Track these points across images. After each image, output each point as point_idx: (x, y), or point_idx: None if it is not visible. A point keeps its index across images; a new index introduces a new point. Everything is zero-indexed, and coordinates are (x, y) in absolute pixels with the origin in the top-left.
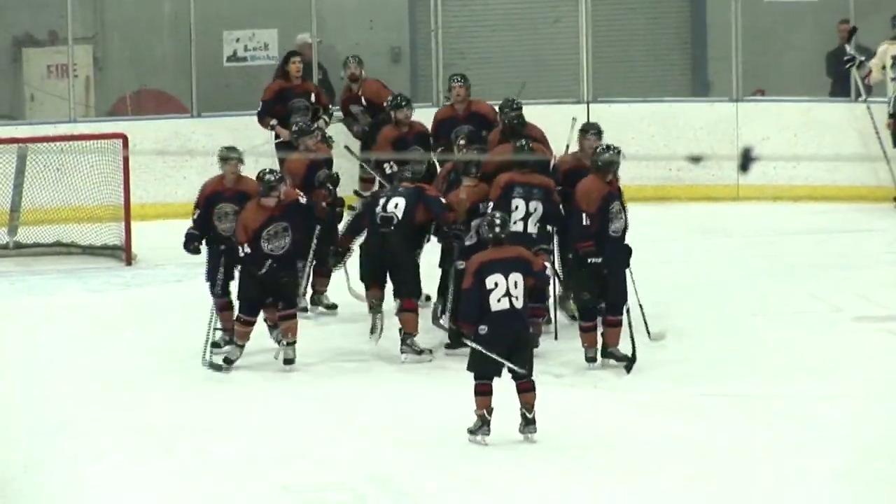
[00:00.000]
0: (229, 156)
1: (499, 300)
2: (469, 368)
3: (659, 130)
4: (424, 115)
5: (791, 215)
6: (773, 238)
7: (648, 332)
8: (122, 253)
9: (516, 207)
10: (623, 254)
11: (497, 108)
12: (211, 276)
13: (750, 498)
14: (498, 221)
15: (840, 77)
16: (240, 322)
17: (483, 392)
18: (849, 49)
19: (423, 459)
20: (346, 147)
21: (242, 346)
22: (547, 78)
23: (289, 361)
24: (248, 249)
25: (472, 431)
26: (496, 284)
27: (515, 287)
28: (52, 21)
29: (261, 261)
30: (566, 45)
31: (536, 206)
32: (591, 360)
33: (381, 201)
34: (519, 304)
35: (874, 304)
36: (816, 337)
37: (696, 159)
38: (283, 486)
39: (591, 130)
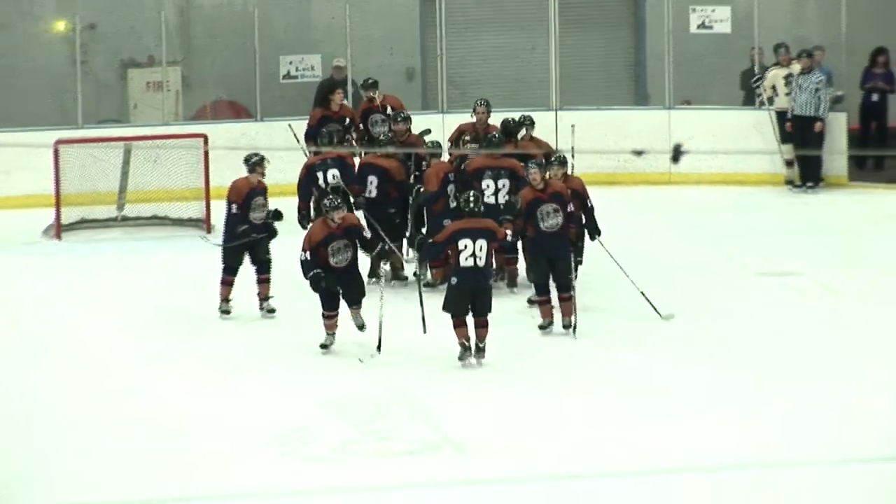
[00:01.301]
0: (262, 161)
1: (466, 259)
2: (444, 309)
3: (610, 131)
4: (430, 120)
5: (711, 196)
6: (697, 213)
7: (659, 313)
8: (204, 224)
9: (487, 186)
10: (562, 244)
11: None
12: (229, 259)
13: (674, 403)
14: (472, 199)
15: (750, 90)
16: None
17: (459, 325)
18: (756, 70)
19: (432, 380)
20: (289, 125)
21: (333, 335)
22: (525, 91)
23: (361, 327)
24: (308, 256)
25: (460, 358)
26: (465, 247)
27: (480, 250)
28: (150, 48)
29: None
30: (540, 67)
31: (504, 183)
32: (543, 328)
33: (320, 174)
34: (481, 262)
35: (774, 263)
36: (731, 288)
37: (638, 153)
38: (324, 401)
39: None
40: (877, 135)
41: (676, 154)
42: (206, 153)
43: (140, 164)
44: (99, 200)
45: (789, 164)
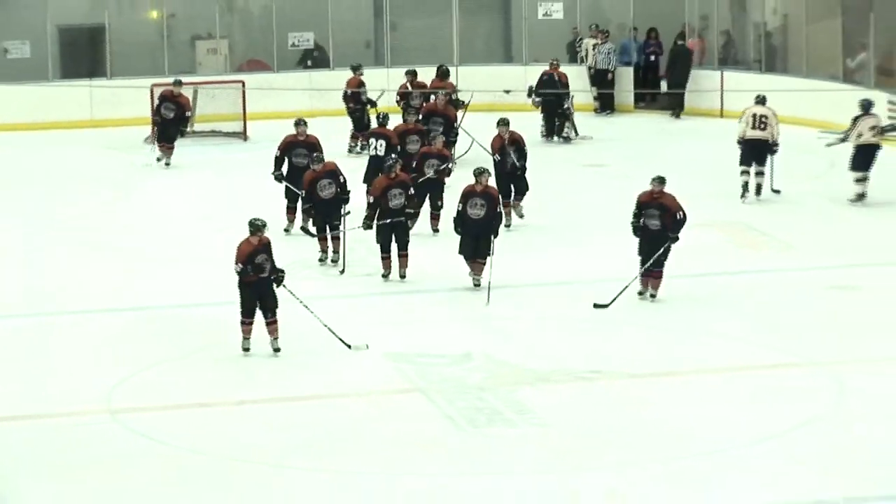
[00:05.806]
0: (395, 163)
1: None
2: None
3: (492, 78)
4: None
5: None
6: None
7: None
8: (243, 136)
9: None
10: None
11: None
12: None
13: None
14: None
15: (573, 53)
16: None
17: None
18: (576, 41)
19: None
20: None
21: None
22: (438, 53)
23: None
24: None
25: None
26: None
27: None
28: (209, 27)
29: None
30: (447, 39)
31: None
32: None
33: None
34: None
35: (590, 158)
36: (566, 174)
37: (507, 91)
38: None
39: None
40: (652, 80)
41: (530, 92)
42: (244, 92)
43: (203, 99)
44: None
45: (596, 98)
